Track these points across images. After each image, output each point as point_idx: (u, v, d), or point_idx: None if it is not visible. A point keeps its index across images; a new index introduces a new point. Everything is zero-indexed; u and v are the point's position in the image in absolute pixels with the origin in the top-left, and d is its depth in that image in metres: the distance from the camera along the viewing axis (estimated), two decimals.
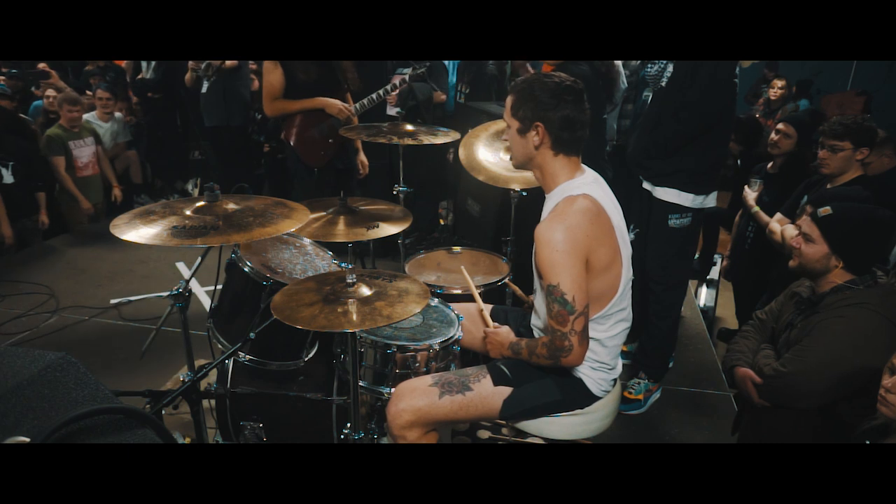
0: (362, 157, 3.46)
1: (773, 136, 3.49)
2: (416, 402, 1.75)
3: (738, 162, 4.43)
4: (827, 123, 2.87)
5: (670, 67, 2.49)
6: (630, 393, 2.80)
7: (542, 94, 1.68)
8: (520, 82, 1.74)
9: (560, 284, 1.61)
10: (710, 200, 2.59)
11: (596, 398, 1.84)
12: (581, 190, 1.71)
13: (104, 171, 5.18)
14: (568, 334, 1.64)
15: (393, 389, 1.92)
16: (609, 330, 1.78)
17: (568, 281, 1.61)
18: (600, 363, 1.80)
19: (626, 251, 1.77)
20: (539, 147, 1.72)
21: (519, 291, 2.38)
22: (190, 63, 4.75)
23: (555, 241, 1.62)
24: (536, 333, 1.93)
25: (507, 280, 2.47)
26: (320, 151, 3.10)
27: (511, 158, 1.84)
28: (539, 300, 1.85)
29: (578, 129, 1.71)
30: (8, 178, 4.48)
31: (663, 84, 2.51)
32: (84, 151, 4.98)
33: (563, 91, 1.68)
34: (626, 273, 1.76)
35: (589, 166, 1.85)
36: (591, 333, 1.72)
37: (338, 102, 3.04)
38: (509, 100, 1.75)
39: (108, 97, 5.28)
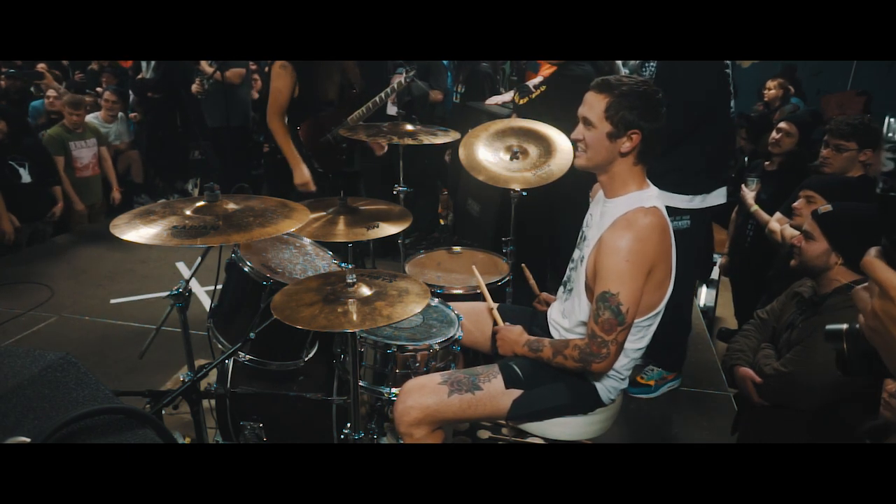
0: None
1: (774, 134, 3.50)
2: (424, 399, 1.75)
3: (746, 159, 4.44)
4: (833, 122, 2.86)
5: (651, 65, 2.46)
6: (642, 378, 2.80)
7: (645, 102, 1.64)
8: (616, 84, 1.66)
9: (619, 294, 1.61)
10: (712, 199, 2.54)
11: (602, 405, 1.85)
12: (652, 202, 1.71)
13: (106, 172, 5.18)
14: (609, 343, 1.64)
15: (393, 389, 1.93)
16: (636, 342, 1.78)
17: (628, 292, 1.61)
18: (615, 371, 1.80)
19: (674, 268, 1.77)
20: (627, 154, 1.69)
21: (532, 281, 2.36)
22: (196, 79, 4.77)
23: (623, 249, 1.61)
24: (557, 333, 1.93)
25: (522, 265, 2.46)
26: (335, 156, 3.11)
27: (580, 159, 1.76)
28: (576, 302, 1.84)
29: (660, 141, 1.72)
30: (26, 177, 4.56)
31: None
32: (84, 152, 5.00)
33: (661, 103, 1.67)
34: (671, 290, 1.77)
35: None
36: None
37: (306, 174, 3.03)
38: (602, 100, 1.66)
39: (114, 100, 5.30)
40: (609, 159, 1.71)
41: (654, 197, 1.74)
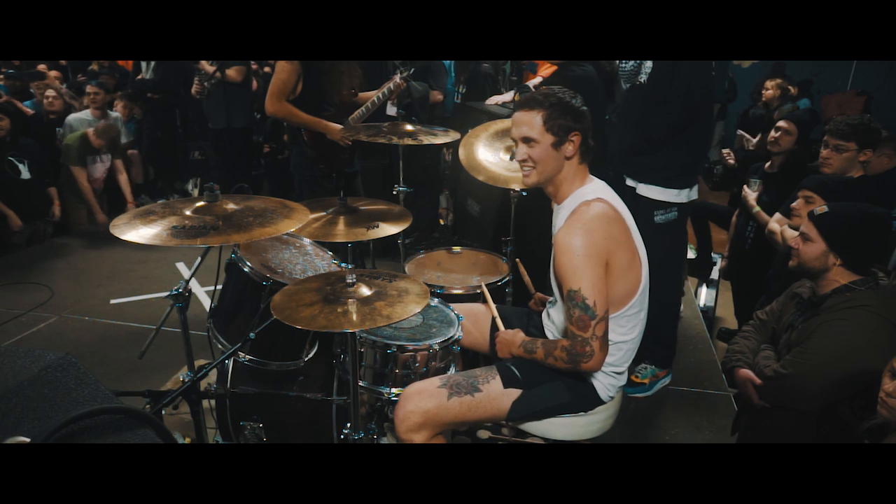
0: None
1: (772, 133, 3.50)
2: (424, 403, 1.75)
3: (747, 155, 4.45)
4: (833, 122, 2.87)
5: (648, 63, 2.50)
6: (637, 377, 2.82)
7: (573, 104, 1.71)
8: (543, 96, 1.71)
9: (581, 289, 1.62)
10: (693, 193, 2.64)
11: (601, 402, 1.84)
12: (595, 194, 1.73)
13: (121, 185, 5.22)
14: (589, 339, 1.64)
15: (393, 389, 1.93)
16: (626, 334, 1.78)
17: (588, 285, 1.62)
18: (611, 366, 1.80)
19: (643, 251, 1.78)
20: (571, 157, 1.74)
21: (527, 278, 2.36)
22: (196, 79, 4.76)
23: (574, 246, 1.63)
24: (551, 336, 1.94)
25: (517, 260, 2.47)
26: (339, 156, 3.12)
27: (530, 177, 1.77)
28: (557, 309, 1.85)
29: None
30: (25, 174, 4.62)
31: (643, 80, 2.51)
32: (98, 167, 5.07)
33: (580, 102, 1.73)
34: (645, 273, 1.77)
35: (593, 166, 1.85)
36: (610, 336, 1.73)
37: (335, 126, 3.01)
38: (536, 115, 1.71)
39: (95, 91, 5.23)
40: (558, 167, 1.75)
41: (598, 189, 1.77)
